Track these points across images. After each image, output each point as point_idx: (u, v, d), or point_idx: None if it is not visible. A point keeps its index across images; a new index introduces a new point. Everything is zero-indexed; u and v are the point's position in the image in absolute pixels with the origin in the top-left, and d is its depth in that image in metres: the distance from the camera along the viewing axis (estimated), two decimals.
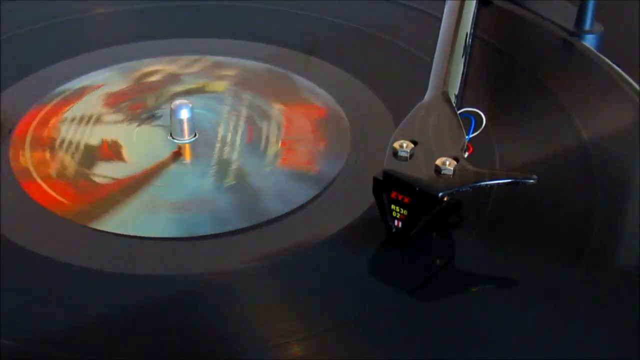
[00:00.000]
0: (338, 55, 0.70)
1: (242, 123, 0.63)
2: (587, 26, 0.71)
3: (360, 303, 0.50)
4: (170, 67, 0.69)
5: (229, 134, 0.62)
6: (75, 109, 0.64)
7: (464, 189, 0.51)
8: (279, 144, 0.61)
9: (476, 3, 0.68)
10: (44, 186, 0.57)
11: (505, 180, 0.51)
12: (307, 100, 0.65)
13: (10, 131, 0.62)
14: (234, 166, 0.59)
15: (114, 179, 0.58)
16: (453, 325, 0.48)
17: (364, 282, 0.51)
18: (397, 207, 0.51)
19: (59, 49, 0.70)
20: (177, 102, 0.61)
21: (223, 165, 0.59)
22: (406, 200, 0.51)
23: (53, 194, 0.57)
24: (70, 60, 0.69)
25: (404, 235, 0.52)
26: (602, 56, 0.68)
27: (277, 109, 0.64)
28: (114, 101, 0.65)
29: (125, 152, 0.60)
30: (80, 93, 0.66)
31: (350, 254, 0.53)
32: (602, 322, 0.48)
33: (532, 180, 0.50)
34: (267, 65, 0.69)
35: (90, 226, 0.54)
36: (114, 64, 0.69)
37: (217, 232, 0.54)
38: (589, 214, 0.54)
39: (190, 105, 0.61)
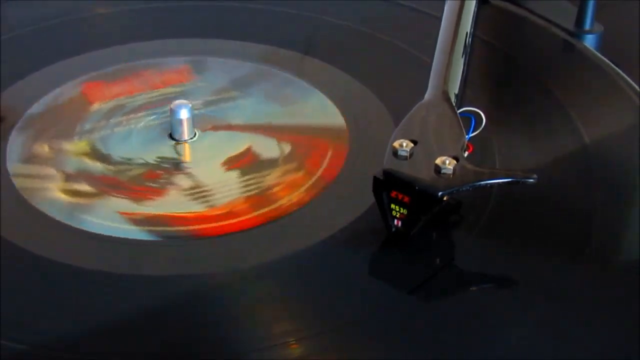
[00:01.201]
0: (337, 56, 0.70)
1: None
2: (587, 26, 0.71)
3: (360, 303, 0.50)
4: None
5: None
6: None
7: (464, 189, 0.51)
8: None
9: (476, 3, 0.68)
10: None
11: (505, 180, 0.51)
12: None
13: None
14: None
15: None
16: (453, 325, 0.48)
17: (364, 282, 0.51)
18: (397, 207, 0.51)
19: (59, 49, 0.70)
20: (177, 102, 0.61)
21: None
22: (406, 199, 0.51)
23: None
24: (70, 60, 0.69)
25: (404, 235, 0.52)
26: (602, 56, 0.68)
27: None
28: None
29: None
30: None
31: (350, 254, 0.53)
32: (602, 322, 0.48)
33: (532, 180, 0.50)
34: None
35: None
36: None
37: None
38: (589, 214, 0.54)
39: (190, 105, 0.61)
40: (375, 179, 0.52)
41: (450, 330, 0.48)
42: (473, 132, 0.56)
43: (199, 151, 0.61)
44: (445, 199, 0.51)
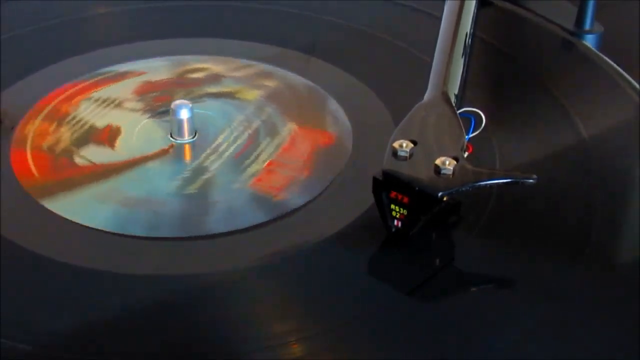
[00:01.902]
0: (338, 56, 0.70)
1: (245, 135, 0.62)
2: (587, 26, 0.71)
3: (360, 303, 0.50)
4: (218, 68, 0.69)
5: (225, 144, 0.62)
6: (107, 90, 0.65)
7: (463, 189, 0.51)
8: (265, 164, 0.60)
9: (476, 3, 0.68)
10: (28, 156, 0.59)
11: (505, 180, 0.51)
12: (322, 122, 0.64)
13: (12, 128, 0.62)
14: (206, 175, 0.59)
15: (92, 162, 0.59)
16: (453, 325, 0.48)
17: (364, 282, 0.51)
18: (396, 207, 0.51)
19: (59, 49, 0.70)
20: (177, 101, 0.61)
21: (197, 172, 0.59)
22: (406, 200, 0.51)
23: (31, 164, 0.58)
24: (71, 60, 0.69)
25: (403, 235, 0.52)
26: (602, 56, 0.68)
27: (288, 127, 0.63)
28: (145, 90, 0.66)
29: (119, 140, 0.61)
30: (121, 76, 0.67)
31: (350, 254, 0.53)
32: (602, 322, 0.48)
33: (531, 180, 0.50)
34: (307, 81, 0.67)
35: (41, 202, 0.55)
36: (166, 55, 0.70)
37: (147, 235, 0.54)
38: (589, 214, 0.54)
39: (190, 106, 0.61)
40: (375, 179, 0.52)
41: (450, 330, 0.48)
42: (473, 132, 0.56)
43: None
44: (444, 199, 0.51)
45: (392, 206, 0.52)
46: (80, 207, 0.56)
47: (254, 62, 0.69)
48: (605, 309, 0.49)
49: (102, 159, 0.59)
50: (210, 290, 0.50)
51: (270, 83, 0.67)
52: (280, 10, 0.75)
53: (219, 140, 0.61)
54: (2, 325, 0.47)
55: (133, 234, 0.54)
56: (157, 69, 0.68)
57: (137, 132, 0.62)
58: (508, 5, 0.75)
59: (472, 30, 0.65)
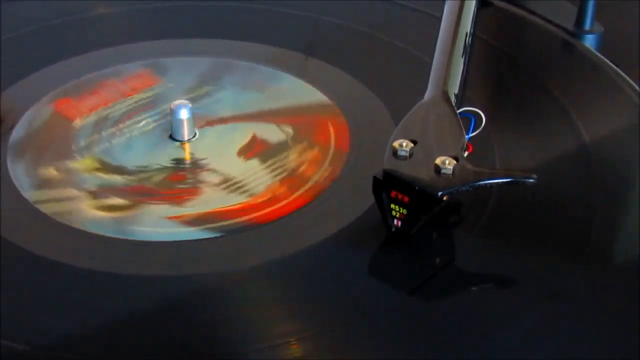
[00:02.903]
0: (338, 56, 0.70)
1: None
2: (587, 26, 0.71)
3: (360, 303, 0.50)
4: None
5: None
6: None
7: (463, 189, 0.51)
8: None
9: (476, 3, 0.68)
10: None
11: (505, 180, 0.51)
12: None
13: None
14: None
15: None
16: (453, 325, 0.48)
17: (364, 282, 0.51)
18: (396, 207, 0.51)
19: (59, 49, 0.70)
20: (177, 102, 0.61)
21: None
22: (406, 199, 0.51)
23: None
24: (70, 60, 0.69)
25: (403, 235, 0.52)
26: (602, 56, 0.68)
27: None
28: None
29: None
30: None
31: (350, 254, 0.53)
32: (602, 322, 0.48)
33: (531, 180, 0.50)
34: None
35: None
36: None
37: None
38: (589, 214, 0.54)
39: (190, 106, 0.61)
40: (375, 179, 0.52)
41: (450, 330, 0.48)
42: (473, 132, 0.56)
43: (208, 147, 0.61)
44: (445, 199, 0.51)
45: (392, 206, 0.52)
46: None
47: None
48: (605, 309, 0.49)
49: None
50: (210, 290, 0.50)
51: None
52: (280, 11, 0.75)
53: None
54: (2, 326, 0.47)
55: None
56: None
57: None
58: (508, 5, 0.75)
59: (472, 30, 0.65)
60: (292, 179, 0.58)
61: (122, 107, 0.64)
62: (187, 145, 0.61)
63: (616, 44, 0.72)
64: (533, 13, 0.74)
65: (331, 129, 0.62)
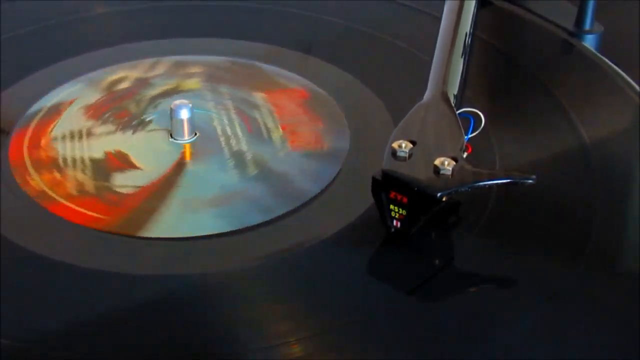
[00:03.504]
0: (338, 55, 0.70)
1: (233, 115, 0.63)
2: (587, 26, 0.71)
3: (360, 303, 0.50)
4: (134, 73, 0.68)
5: (227, 128, 0.62)
6: (60, 127, 0.63)
7: (462, 189, 0.51)
8: (281, 129, 0.62)
9: (476, 3, 0.68)
10: (73, 206, 0.56)
11: (504, 180, 0.51)
12: (281, 84, 0.66)
13: (8, 133, 0.62)
14: (248, 156, 0.59)
15: (136, 186, 0.57)
16: (453, 325, 0.48)
17: (364, 282, 0.51)
18: (396, 207, 0.51)
19: (59, 49, 0.70)
20: (177, 102, 0.61)
21: (239, 157, 0.60)
22: (405, 200, 0.51)
23: (85, 211, 0.56)
24: (70, 60, 0.69)
25: (403, 235, 0.52)
26: (602, 56, 0.68)
27: (259, 97, 0.65)
28: (96, 113, 0.64)
29: (135, 160, 0.60)
30: (56, 111, 0.64)
31: (350, 254, 0.53)
32: (602, 322, 0.48)
33: (530, 180, 0.50)
34: (229, 58, 0.69)
35: (140, 235, 0.54)
36: (79, 75, 0.68)
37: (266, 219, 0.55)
38: (589, 214, 0.54)
39: (190, 105, 0.61)
40: (374, 179, 0.52)
41: (450, 330, 0.48)
42: (472, 132, 0.56)
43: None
44: (444, 199, 0.51)
45: (392, 206, 0.52)
46: (174, 225, 0.55)
47: (159, 58, 0.70)
48: (605, 309, 0.49)
49: (142, 181, 0.58)
50: (210, 290, 0.50)
51: (197, 69, 0.68)
52: (280, 10, 0.75)
53: (219, 128, 0.62)
54: (2, 325, 0.47)
55: (248, 224, 0.54)
56: (79, 93, 0.66)
57: (140, 149, 0.61)
58: (508, 5, 0.75)
59: (472, 30, 0.65)
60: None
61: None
62: (190, 145, 0.61)
63: (616, 44, 0.72)
64: (533, 13, 0.74)
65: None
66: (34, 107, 0.64)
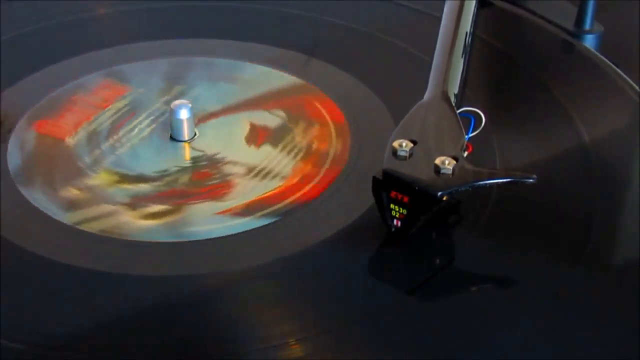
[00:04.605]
0: (338, 56, 0.70)
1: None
2: (587, 26, 0.71)
3: (360, 303, 0.50)
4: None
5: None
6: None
7: (463, 189, 0.51)
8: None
9: (476, 3, 0.68)
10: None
11: (504, 180, 0.51)
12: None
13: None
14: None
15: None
16: (453, 325, 0.48)
17: (364, 282, 0.51)
18: (396, 207, 0.51)
19: (59, 49, 0.70)
20: (177, 102, 0.61)
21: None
22: (405, 199, 0.51)
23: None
24: (70, 60, 0.69)
25: (403, 235, 0.52)
26: (602, 56, 0.68)
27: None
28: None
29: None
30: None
31: (350, 254, 0.53)
32: (602, 322, 0.48)
33: (531, 180, 0.50)
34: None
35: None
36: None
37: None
38: (589, 214, 0.54)
39: (190, 105, 0.61)
40: (375, 179, 0.52)
41: (450, 330, 0.48)
42: (473, 132, 0.56)
43: (214, 142, 0.61)
44: (444, 198, 0.51)
45: (392, 206, 0.52)
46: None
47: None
48: (605, 309, 0.49)
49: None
50: (210, 290, 0.50)
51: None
52: (280, 10, 0.75)
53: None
54: (2, 325, 0.47)
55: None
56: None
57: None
58: (508, 5, 0.75)
59: (472, 30, 0.65)
60: (312, 156, 0.60)
61: (106, 119, 0.63)
62: (192, 144, 0.61)
63: (616, 44, 0.72)
64: (533, 13, 0.74)
65: (323, 110, 0.63)
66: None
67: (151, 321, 0.48)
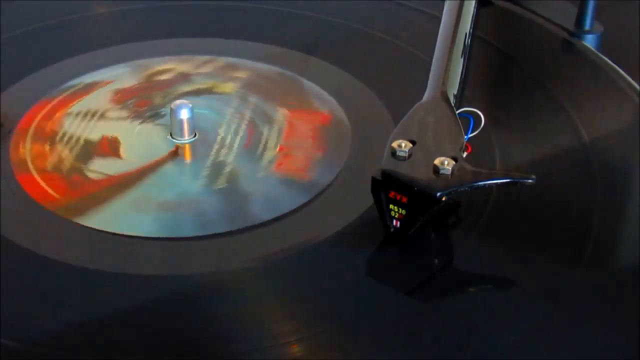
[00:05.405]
0: (338, 56, 0.70)
1: (243, 126, 0.63)
2: (587, 26, 0.71)
3: (360, 303, 0.50)
4: (182, 67, 0.69)
5: (229, 136, 0.62)
6: (83, 104, 0.64)
7: (462, 189, 0.51)
8: (277, 149, 0.61)
9: (476, 3, 0.68)
10: (38, 179, 0.57)
11: (504, 180, 0.51)
12: (311, 105, 0.65)
13: (10, 131, 0.62)
14: (227, 169, 0.59)
15: (106, 174, 0.58)
16: (453, 325, 0.48)
17: (364, 282, 0.51)
18: (395, 207, 0.51)
19: (59, 49, 0.70)
20: (177, 102, 0.61)
21: (217, 167, 0.59)
22: (404, 200, 0.51)
23: (45, 186, 0.57)
24: (70, 60, 0.69)
25: (402, 235, 0.52)
26: (602, 56, 0.68)
27: (280, 113, 0.64)
28: (122, 98, 0.65)
29: (122, 149, 0.60)
30: (90, 88, 0.66)
31: (350, 254, 0.53)
32: (602, 322, 0.48)
33: (530, 180, 0.50)
34: (278, 68, 0.69)
35: (76, 221, 0.54)
36: (127, 60, 0.69)
37: (201, 234, 0.54)
38: (589, 214, 0.54)
39: (191, 106, 0.61)
40: (374, 179, 0.52)
41: (450, 330, 0.48)
42: (472, 132, 0.56)
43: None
44: (443, 199, 0.51)
45: (391, 206, 0.52)
46: (118, 219, 0.55)
47: (215, 57, 0.70)
48: (605, 309, 0.49)
49: (115, 169, 0.58)
50: (210, 290, 0.50)
51: (242, 74, 0.68)
52: (280, 10, 0.75)
53: (221, 134, 0.62)
54: (2, 325, 0.47)
55: (185, 235, 0.54)
56: (121, 76, 0.68)
57: (137, 139, 0.61)
58: (508, 5, 0.75)
59: (471, 30, 0.65)
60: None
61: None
62: (192, 144, 0.61)
63: (616, 44, 0.72)
64: (533, 13, 0.74)
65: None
66: (73, 81, 0.66)
67: (151, 321, 0.48)
